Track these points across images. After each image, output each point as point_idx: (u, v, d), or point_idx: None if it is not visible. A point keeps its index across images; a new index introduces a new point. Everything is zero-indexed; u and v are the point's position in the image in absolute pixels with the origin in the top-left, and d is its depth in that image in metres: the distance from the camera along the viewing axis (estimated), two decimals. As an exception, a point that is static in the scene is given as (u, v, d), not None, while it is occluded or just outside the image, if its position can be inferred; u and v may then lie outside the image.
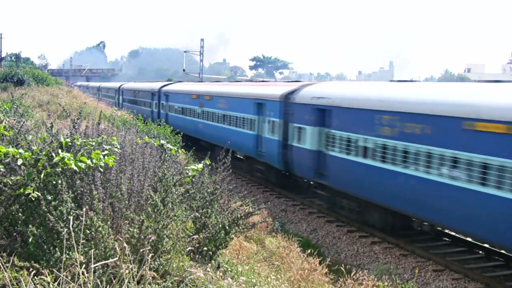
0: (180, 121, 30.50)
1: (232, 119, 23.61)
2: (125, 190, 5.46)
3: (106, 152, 5.69)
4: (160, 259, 5.00)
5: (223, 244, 6.46)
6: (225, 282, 5.59)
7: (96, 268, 4.20)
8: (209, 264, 6.06)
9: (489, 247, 13.65)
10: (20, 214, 4.98)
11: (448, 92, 13.20)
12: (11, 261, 4.38)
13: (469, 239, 14.57)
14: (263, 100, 20.66)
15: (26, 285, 3.91)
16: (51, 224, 4.60)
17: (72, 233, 4.34)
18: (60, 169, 5.20)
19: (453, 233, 15.15)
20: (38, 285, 3.97)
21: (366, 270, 11.37)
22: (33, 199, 4.92)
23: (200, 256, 6.12)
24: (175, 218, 5.49)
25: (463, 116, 11.39)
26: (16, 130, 6.29)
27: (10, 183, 5.06)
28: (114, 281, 4.18)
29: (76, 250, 4.27)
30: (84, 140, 5.80)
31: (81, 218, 4.57)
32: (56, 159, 5.14)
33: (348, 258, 14.52)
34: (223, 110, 24.81)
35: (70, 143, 5.60)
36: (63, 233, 4.45)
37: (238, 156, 25.16)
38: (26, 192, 4.92)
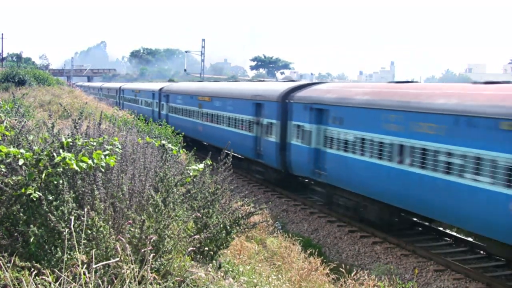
0: (129, 106, 48.08)
1: (143, 101, 44.59)
2: (126, 190, 5.46)
3: (107, 152, 5.69)
4: (161, 259, 5.00)
5: (224, 244, 6.45)
6: (226, 282, 5.59)
7: (98, 268, 4.20)
8: (210, 264, 6.05)
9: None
10: (21, 214, 4.97)
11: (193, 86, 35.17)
12: (12, 261, 4.39)
13: (470, 239, 14.59)
14: (154, 92, 40.89)
15: (27, 285, 3.91)
16: (52, 224, 4.60)
17: (74, 233, 4.32)
18: (61, 169, 5.19)
19: (454, 233, 15.19)
20: (39, 285, 3.97)
21: (367, 270, 11.36)
22: (34, 199, 4.91)
23: (201, 256, 6.11)
24: (176, 218, 5.48)
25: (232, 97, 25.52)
26: (17, 130, 6.29)
27: (12, 183, 5.05)
28: (115, 281, 4.18)
29: (77, 250, 4.27)
30: (86, 140, 5.79)
31: (82, 218, 4.56)
32: (57, 159, 5.14)
33: (349, 258, 14.52)
34: (140, 97, 46.02)
35: (71, 143, 5.59)
36: (64, 233, 4.44)
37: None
38: (27, 192, 4.91)
